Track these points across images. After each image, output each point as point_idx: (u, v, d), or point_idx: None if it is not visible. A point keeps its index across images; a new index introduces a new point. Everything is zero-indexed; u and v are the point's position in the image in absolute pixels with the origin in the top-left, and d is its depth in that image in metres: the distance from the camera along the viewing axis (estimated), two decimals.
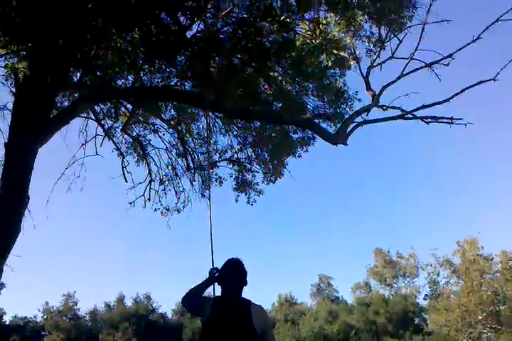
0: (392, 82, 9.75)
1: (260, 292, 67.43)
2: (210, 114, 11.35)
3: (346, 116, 10.20)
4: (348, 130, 10.08)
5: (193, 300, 3.83)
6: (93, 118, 11.05)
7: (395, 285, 48.64)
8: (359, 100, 10.11)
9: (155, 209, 12.65)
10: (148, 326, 46.19)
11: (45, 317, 48.71)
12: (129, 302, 50.56)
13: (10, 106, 9.67)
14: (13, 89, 9.40)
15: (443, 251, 58.37)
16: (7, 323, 45.63)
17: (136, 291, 52.82)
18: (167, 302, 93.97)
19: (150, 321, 47.71)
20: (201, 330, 3.55)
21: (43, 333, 46.17)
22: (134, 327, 44.73)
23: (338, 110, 10.26)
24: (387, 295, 46.86)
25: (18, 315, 49.41)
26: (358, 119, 10.28)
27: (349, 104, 10.14)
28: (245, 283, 3.78)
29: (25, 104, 7.80)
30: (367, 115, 10.35)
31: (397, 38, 9.38)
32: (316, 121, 10.35)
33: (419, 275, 47.81)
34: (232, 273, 3.77)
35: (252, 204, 12.41)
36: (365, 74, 9.92)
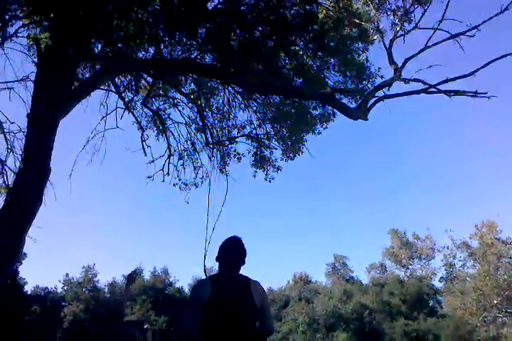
0: (416, 54, 9.47)
1: (275, 270, 68.26)
2: (230, 88, 11.31)
3: (367, 92, 10.04)
4: (369, 104, 9.91)
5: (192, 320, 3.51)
6: (114, 90, 11.10)
7: (411, 267, 48.66)
8: (381, 77, 9.91)
9: (174, 184, 12.72)
10: (165, 299, 47.20)
11: (65, 288, 50.03)
12: (147, 275, 51.64)
13: (32, 76, 9.79)
14: (36, 60, 9.47)
15: (460, 233, 57.80)
16: (28, 293, 46.94)
17: (153, 265, 53.91)
18: (184, 277, 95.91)
19: (167, 295, 48.73)
20: (204, 310, 3.45)
21: (63, 304, 47.48)
22: (152, 300, 45.74)
23: (359, 86, 10.09)
24: (402, 276, 46.96)
25: (39, 286, 50.91)
26: (380, 94, 10.09)
27: (371, 80, 9.96)
28: (243, 262, 3.74)
29: (48, 75, 7.88)
30: (388, 89, 10.12)
31: (422, 7, 9.04)
32: (337, 96, 10.22)
33: (435, 257, 47.68)
34: (232, 251, 3.73)
35: (269, 181, 12.37)
36: (388, 47, 9.64)
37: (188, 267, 79.19)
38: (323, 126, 11.46)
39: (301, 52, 9.62)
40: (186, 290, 51.70)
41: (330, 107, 10.73)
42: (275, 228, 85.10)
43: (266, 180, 12.43)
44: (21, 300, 38.14)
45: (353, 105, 10.22)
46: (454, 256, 44.44)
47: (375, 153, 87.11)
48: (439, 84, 9.50)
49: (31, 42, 9.53)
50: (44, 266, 74.36)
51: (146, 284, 48.72)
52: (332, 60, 9.75)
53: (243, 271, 3.77)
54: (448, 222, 55.23)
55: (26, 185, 7.27)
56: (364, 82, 10.02)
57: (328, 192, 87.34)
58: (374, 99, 9.60)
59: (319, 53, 9.39)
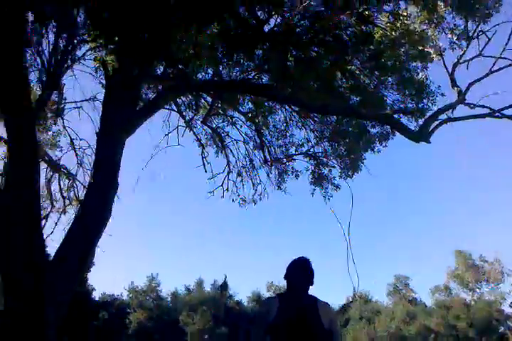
0: (479, 79, 9.19)
1: (334, 288, 66.86)
2: (287, 107, 11.39)
3: (428, 112, 9.79)
4: (432, 127, 9.68)
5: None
6: (175, 109, 11.53)
7: (478, 291, 45.94)
8: (442, 95, 9.62)
9: (232, 200, 12.93)
10: (225, 312, 47.60)
11: (130, 295, 51.79)
12: (207, 287, 52.45)
13: (99, 96, 10.39)
14: (103, 81, 10.04)
15: None
16: (96, 299, 48.98)
17: (213, 278, 54.72)
18: (243, 291, 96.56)
19: (227, 307, 49.13)
20: (270, 330, 3.44)
21: (128, 310, 49.08)
22: (212, 311, 46.29)
23: (419, 105, 9.84)
24: (468, 300, 44.44)
25: (106, 293, 53.05)
26: (443, 116, 9.83)
27: (431, 98, 9.68)
28: (311, 283, 3.68)
29: (114, 95, 8.29)
30: (452, 112, 9.86)
31: (486, 35, 8.87)
32: (396, 116, 10.04)
33: (504, 281, 44.84)
34: (299, 271, 3.69)
35: (328, 199, 12.27)
36: (450, 71, 9.41)
37: (246, 281, 79.55)
38: (383, 145, 11.25)
39: (357, 72, 9.54)
40: (245, 303, 51.95)
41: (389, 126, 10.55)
42: (333, 246, 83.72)
43: (325, 198, 12.33)
44: (89, 306, 39.81)
45: (413, 124, 10.00)
46: None
47: (439, 171, 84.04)
48: (505, 108, 9.14)
49: (98, 64, 10.11)
50: (111, 274, 77.86)
51: (207, 295, 49.41)
52: (390, 78, 9.58)
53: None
54: None
55: (97, 199, 7.63)
56: (424, 101, 9.75)
57: (390, 211, 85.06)
58: (437, 121, 9.34)
59: (376, 72, 9.26)
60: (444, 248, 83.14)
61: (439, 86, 9.48)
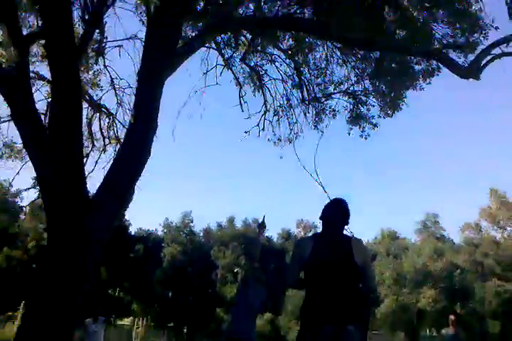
0: None
1: (363, 224, 68.13)
2: (329, 43, 11.04)
3: (480, 47, 9.35)
4: (483, 63, 9.28)
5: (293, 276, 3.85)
6: (214, 47, 11.32)
7: (509, 229, 45.85)
8: (496, 28, 9.10)
9: (268, 139, 12.97)
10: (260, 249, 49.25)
11: (164, 231, 53.85)
12: (238, 224, 54.10)
13: (139, 34, 10.25)
14: (142, 18, 9.86)
15: None
16: (132, 234, 51.11)
17: (245, 215, 56.26)
18: (273, 227, 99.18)
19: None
20: (305, 268, 3.68)
21: (163, 245, 51.27)
22: (243, 246, 47.95)
23: (470, 39, 9.38)
24: (499, 237, 44.57)
25: (142, 228, 55.26)
26: (496, 51, 9.37)
27: (484, 32, 9.19)
28: (347, 223, 3.84)
29: (156, 34, 8.16)
30: (506, 46, 9.36)
31: None
32: (444, 51, 9.64)
33: None
34: (335, 212, 3.84)
35: (365, 138, 12.17)
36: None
37: (277, 218, 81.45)
38: (426, 82, 10.92)
39: (405, 3, 9.06)
40: (275, 239, 53.61)
41: (435, 62, 10.17)
42: (364, 182, 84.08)
43: (362, 137, 12.22)
44: (126, 239, 41.68)
45: (462, 60, 9.61)
46: None
47: (478, 107, 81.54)
48: None
49: (139, 2, 9.88)
50: (146, 210, 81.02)
51: (238, 232, 51.03)
52: (440, 11, 9.08)
53: None
54: None
55: (136, 140, 7.76)
56: (475, 35, 9.28)
57: (423, 147, 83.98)
58: (489, 56, 8.91)
59: (426, 4, 8.79)
60: (479, 187, 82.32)
61: (493, 19, 8.96)
